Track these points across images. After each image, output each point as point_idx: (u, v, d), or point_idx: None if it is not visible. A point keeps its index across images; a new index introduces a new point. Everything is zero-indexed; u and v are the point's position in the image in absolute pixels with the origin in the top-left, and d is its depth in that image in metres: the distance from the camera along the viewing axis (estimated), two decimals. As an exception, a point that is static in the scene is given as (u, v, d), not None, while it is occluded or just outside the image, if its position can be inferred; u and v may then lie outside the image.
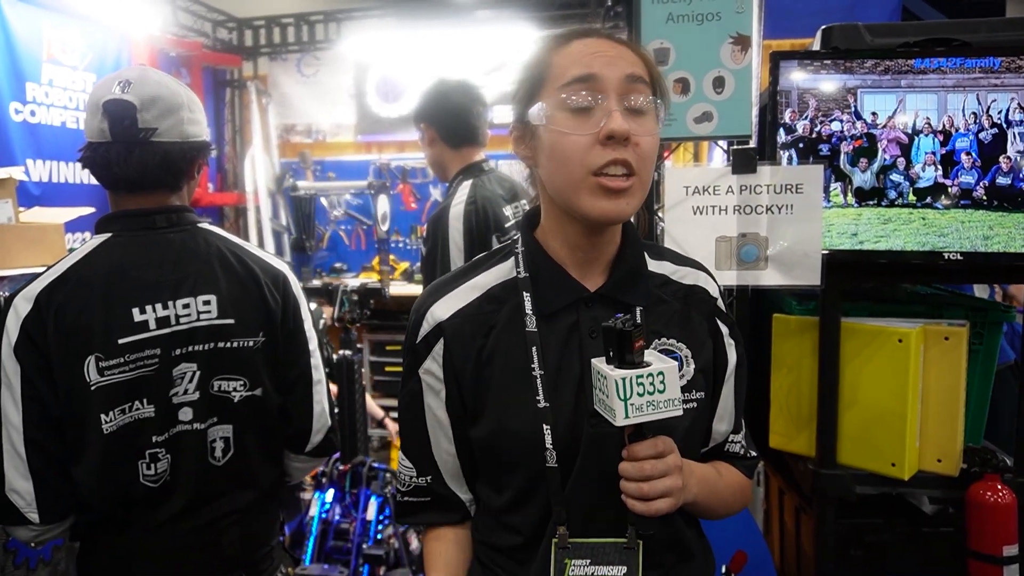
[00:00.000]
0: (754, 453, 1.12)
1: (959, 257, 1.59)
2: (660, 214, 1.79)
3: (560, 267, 0.97)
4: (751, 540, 1.86)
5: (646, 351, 0.85)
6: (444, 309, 0.99)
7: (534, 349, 0.94)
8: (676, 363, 0.85)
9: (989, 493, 1.58)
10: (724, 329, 1.05)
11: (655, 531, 0.91)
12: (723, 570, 1.79)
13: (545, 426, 0.92)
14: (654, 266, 1.04)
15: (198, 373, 1.33)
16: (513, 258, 1.01)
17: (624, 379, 0.81)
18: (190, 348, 1.33)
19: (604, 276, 0.98)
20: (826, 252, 1.62)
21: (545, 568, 0.93)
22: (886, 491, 1.70)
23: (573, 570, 0.92)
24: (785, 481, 2.07)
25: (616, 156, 0.87)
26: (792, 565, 2.03)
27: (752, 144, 1.77)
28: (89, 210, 2.86)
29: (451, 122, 2.25)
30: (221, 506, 1.36)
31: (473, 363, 0.97)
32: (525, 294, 0.97)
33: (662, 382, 0.82)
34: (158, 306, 1.30)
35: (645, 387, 0.82)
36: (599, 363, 0.86)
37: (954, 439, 1.64)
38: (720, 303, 1.06)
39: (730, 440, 1.09)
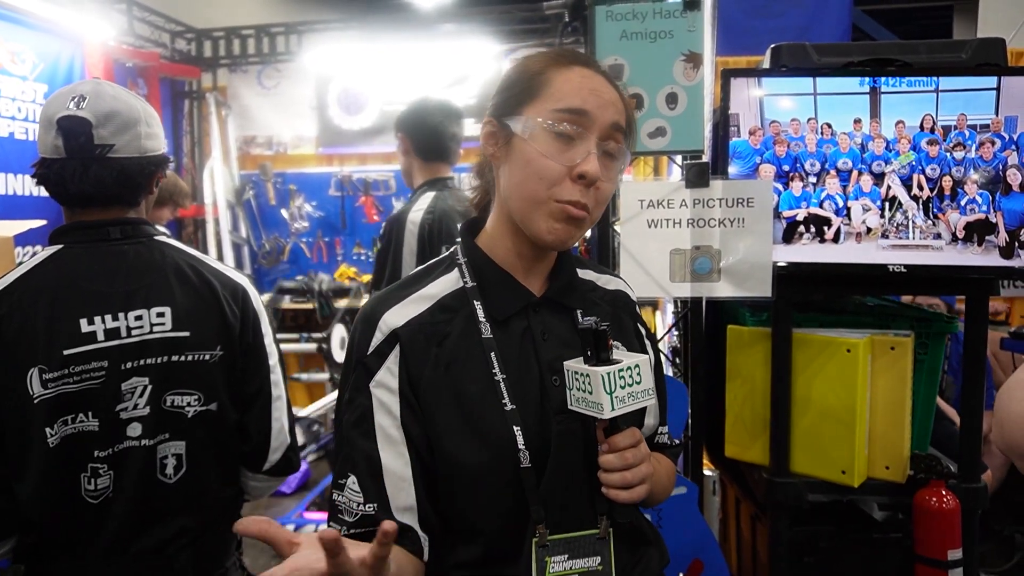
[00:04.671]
0: (677, 441, 1.22)
1: (903, 269, 1.64)
2: (616, 227, 1.81)
3: (508, 274, 1.00)
4: (707, 549, 1.88)
5: (616, 350, 0.92)
6: (397, 317, 0.97)
7: (493, 355, 0.95)
8: (648, 356, 0.92)
9: (934, 499, 1.63)
10: (643, 331, 1.13)
11: (633, 518, 0.95)
12: (680, 579, 1.80)
13: (515, 427, 0.93)
14: (581, 274, 1.10)
15: (150, 387, 1.30)
16: (456, 269, 1.02)
17: (608, 374, 0.88)
18: (142, 361, 1.30)
19: (545, 283, 1.03)
20: (778, 264, 1.66)
21: (527, 569, 0.93)
22: (837, 498, 1.74)
23: (553, 567, 0.94)
24: (741, 490, 2.10)
25: (580, 199, 0.93)
26: (748, 573, 2.06)
27: (705, 159, 1.81)
28: (41, 222, 2.79)
29: (425, 137, 2.43)
30: (172, 526, 1.33)
31: (430, 371, 0.96)
32: (476, 303, 0.98)
33: (639, 374, 0.90)
34: (107, 317, 1.28)
35: (626, 380, 0.89)
36: (575, 364, 0.91)
37: (901, 446, 1.68)
38: (637, 307, 1.14)
39: (659, 432, 1.16)
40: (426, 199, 2.34)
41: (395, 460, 0.94)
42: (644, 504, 1.08)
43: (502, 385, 0.94)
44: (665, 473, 1.12)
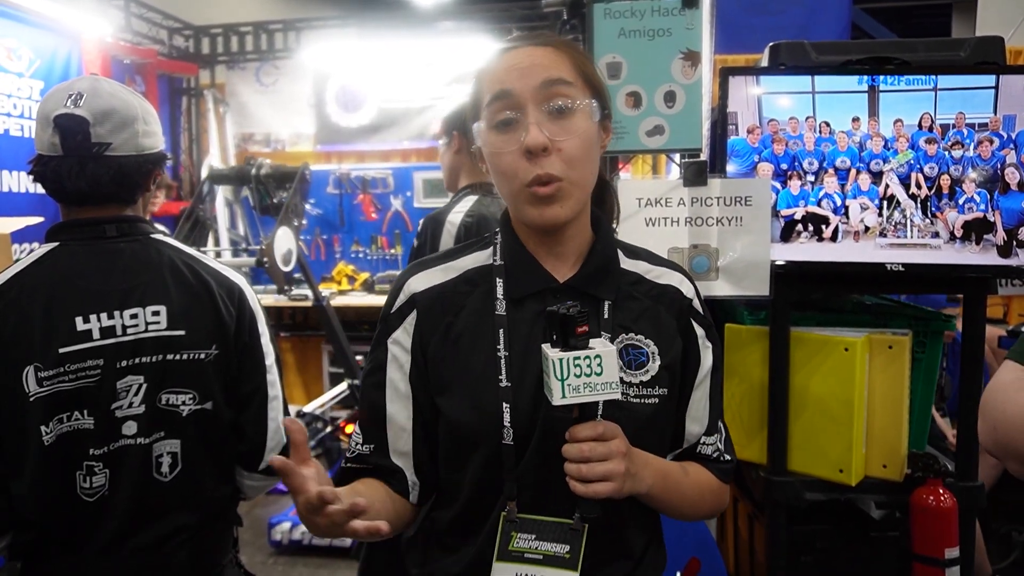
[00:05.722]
0: (729, 457, 1.12)
1: (900, 268, 1.64)
2: (614, 225, 1.81)
3: (532, 257, 1.02)
4: (705, 547, 1.88)
5: (593, 339, 0.89)
6: (421, 283, 1.04)
7: (501, 331, 0.98)
8: (615, 348, 0.88)
9: (931, 497, 1.63)
10: (699, 331, 1.07)
11: (598, 514, 0.93)
12: (677, 577, 1.80)
13: (505, 404, 0.95)
14: (628, 264, 1.07)
15: (144, 386, 1.30)
16: (492, 247, 1.06)
17: (562, 360, 0.86)
18: (136, 360, 1.30)
19: (574, 269, 1.02)
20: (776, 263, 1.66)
21: (492, 539, 0.96)
22: (835, 497, 1.74)
23: (518, 543, 0.95)
24: (738, 489, 2.10)
25: (539, 172, 0.92)
26: (746, 572, 2.06)
27: (703, 157, 1.81)
28: (38, 219, 2.79)
29: None
30: (168, 524, 1.33)
31: (440, 337, 1.01)
32: (498, 280, 1.02)
33: (599, 365, 0.86)
34: (103, 315, 1.27)
35: (583, 368, 0.86)
36: (545, 347, 0.90)
37: (899, 445, 1.68)
38: (696, 304, 1.08)
39: (702, 442, 1.08)
40: (468, 202, 2.30)
41: (400, 411, 1.03)
42: (668, 514, 1.05)
43: (503, 362, 0.97)
44: (692, 484, 1.05)
